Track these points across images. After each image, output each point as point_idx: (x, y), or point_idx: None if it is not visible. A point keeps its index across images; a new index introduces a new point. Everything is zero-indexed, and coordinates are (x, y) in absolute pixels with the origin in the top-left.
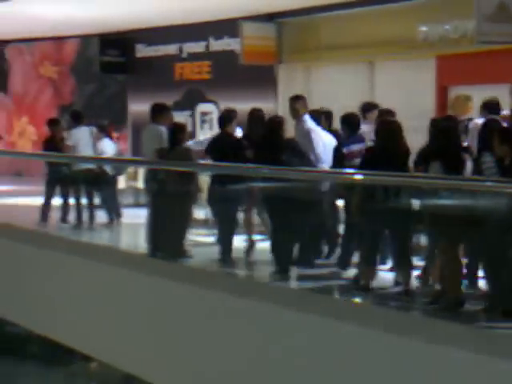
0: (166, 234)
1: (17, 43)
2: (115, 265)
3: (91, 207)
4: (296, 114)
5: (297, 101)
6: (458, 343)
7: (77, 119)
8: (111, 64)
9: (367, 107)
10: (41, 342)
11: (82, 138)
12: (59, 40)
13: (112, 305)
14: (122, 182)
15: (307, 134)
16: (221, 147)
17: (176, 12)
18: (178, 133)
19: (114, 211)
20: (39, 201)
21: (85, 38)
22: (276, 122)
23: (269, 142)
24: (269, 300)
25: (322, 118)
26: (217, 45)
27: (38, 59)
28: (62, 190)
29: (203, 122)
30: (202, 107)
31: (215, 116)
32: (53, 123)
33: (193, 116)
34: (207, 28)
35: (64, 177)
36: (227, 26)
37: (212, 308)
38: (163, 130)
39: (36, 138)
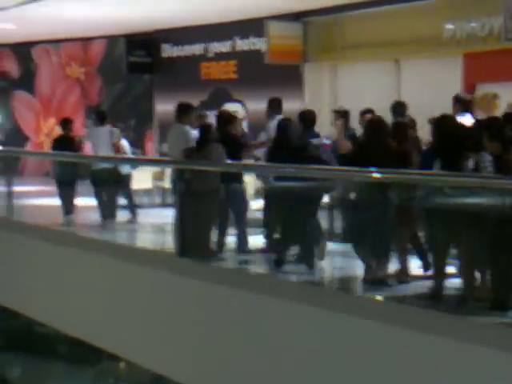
0: (194, 233)
1: (44, 44)
2: (143, 264)
3: (110, 206)
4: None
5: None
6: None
7: (101, 119)
8: (138, 64)
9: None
10: (69, 342)
11: (101, 138)
12: (86, 41)
13: (139, 304)
14: (148, 182)
15: None
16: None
17: (202, 12)
18: (206, 133)
19: (130, 209)
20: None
21: (111, 39)
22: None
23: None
24: (297, 299)
25: (338, 117)
26: (243, 44)
27: (65, 60)
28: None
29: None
30: (228, 107)
31: (241, 115)
32: (64, 123)
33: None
34: (233, 27)
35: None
36: (253, 26)
37: (241, 309)
38: (189, 129)
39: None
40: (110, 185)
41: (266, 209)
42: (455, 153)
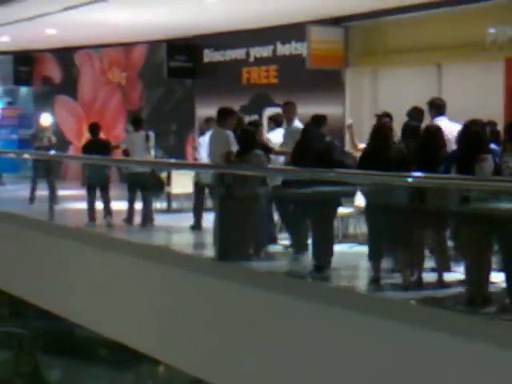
0: (233, 237)
1: (86, 49)
2: (183, 268)
3: (146, 209)
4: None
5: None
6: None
7: (136, 125)
8: (179, 69)
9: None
10: (109, 345)
11: (136, 143)
12: (128, 46)
13: (178, 308)
14: (188, 187)
15: None
16: None
17: (243, 17)
18: (249, 137)
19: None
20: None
21: (153, 44)
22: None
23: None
24: (339, 304)
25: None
26: (284, 49)
27: (107, 65)
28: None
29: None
30: (269, 111)
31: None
32: (93, 128)
33: (260, 120)
34: (274, 32)
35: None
36: (294, 30)
37: (279, 313)
38: (230, 134)
39: None
40: (148, 188)
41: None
42: (472, 156)
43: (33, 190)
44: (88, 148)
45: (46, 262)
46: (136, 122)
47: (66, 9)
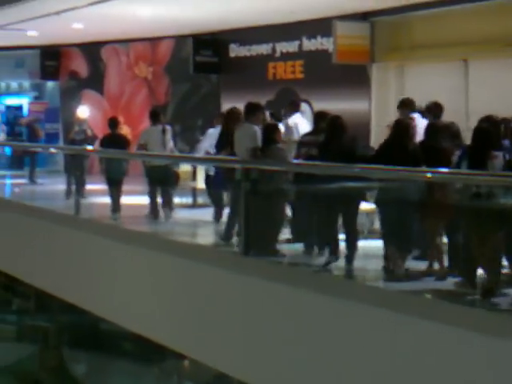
0: (259, 232)
1: (113, 44)
2: (208, 263)
3: (166, 203)
4: None
5: None
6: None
7: (154, 118)
8: (205, 64)
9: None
10: (134, 340)
11: (153, 137)
12: (154, 40)
13: (203, 302)
14: None
15: None
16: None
17: (269, 12)
18: (272, 132)
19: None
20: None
21: (179, 39)
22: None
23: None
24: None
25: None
26: (310, 44)
27: (134, 60)
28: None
29: None
30: None
31: (309, 115)
32: (112, 122)
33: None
34: (300, 27)
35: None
36: (320, 26)
37: (303, 308)
38: (257, 129)
39: (130, 138)
40: (166, 182)
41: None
42: (483, 153)
43: (69, 184)
44: (105, 142)
45: (71, 256)
46: (153, 115)
47: (93, 3)
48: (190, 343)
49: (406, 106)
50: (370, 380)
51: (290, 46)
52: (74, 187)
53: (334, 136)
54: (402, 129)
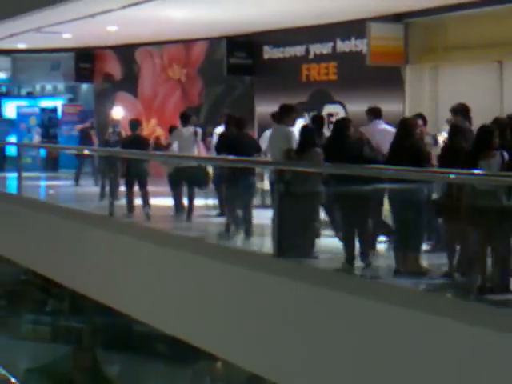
0: (293, 235)
1: (147, 46)
2: (241, 265)
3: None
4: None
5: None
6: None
7: (184, 120)
8: (238, 66)
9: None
10: (167, 341)
11: (185, 138)
12: (188, 42)
13: (236, 304)
14: None
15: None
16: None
17: (303, 13)
18: (308, 136)
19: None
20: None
21: (213, 41)
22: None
23: (336, 141)
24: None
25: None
26: (344, 46)
27: (167, 62)
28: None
29: (330, 122)
30: (329, 108)
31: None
32: (133, 124)
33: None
34: (334, 29)
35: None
36: (354, 27)
37: (335, 309)
38: (292, 130)
39: (164, 139)
40: (195, 182)
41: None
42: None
43: (103, 186)
44: (126, 143)
45: (106, 258)
46: (184, 117)
47: (127, 6)
48: (223, 345)
49: (372, 112)
50: None
51: (324, 48)
52: (107, 189)
53: (336, 138)
54: (405, 127)
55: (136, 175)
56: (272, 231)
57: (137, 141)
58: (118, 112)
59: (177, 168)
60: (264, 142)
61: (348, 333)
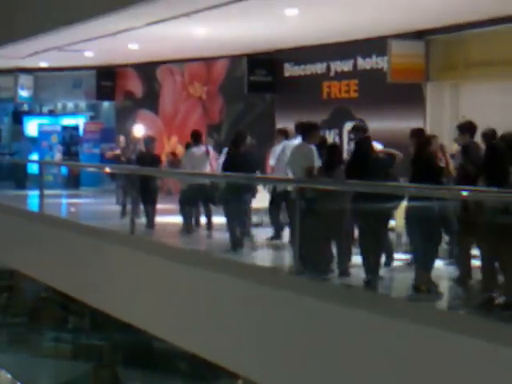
0: (315, 251)
1: (168, 64)
2: (262, 283)
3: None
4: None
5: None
6: None
7: (196, 139)
8: (259, 83)
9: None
10: (187, 359)
11: (197, 157)
12: (209, 60)
13: (257, 322)
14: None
15: None
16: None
17: (324, 31)
18: (334, 154)
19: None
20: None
21: (233, 58)
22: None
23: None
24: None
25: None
26: (364, 63)
27: (188, 79)
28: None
29: (351, 139)
30: (350, 126)
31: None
32: (148, 141)
33: (340, 134)
34: (355, 46)
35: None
36: (375, 44)
37: (363, 329)
38: (314, 149)
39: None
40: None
41: None
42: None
43: (124, 203)
44: (138, 160)
45: (126, 275)
46: (195, 136)
47: (148, 24)
48: (244, 362)
49: (358, 131)
50: None
51: (345, 65)
52: (129, 207)
53: (358, 155)
54: (421, 142)
55: (147, 192)
56: (293, 249)
57: (149, 158)
58: (138, 130)
59: (190, 185)
60: (273, 157)
61: (373, 352)
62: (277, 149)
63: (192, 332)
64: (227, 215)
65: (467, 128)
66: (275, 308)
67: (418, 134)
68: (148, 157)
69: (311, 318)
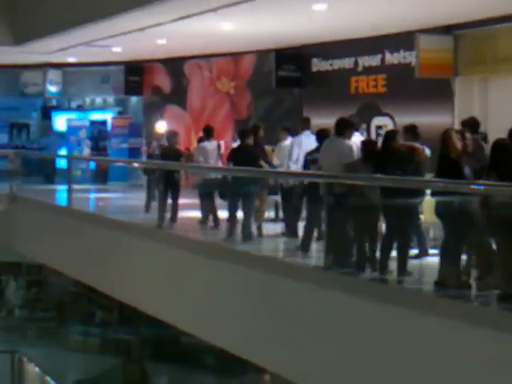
0: (346, 247)
1: (195, 59)
2: (289, 277)
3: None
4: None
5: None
6: None
7: (208, 134)
8: (287, 78)
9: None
10: (215, 353)
11: (209, 151)
12: (236, 55)
13: (284, 316)
14: None
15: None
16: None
17: (352, 26)
18: (371, 149)
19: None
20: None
21: (261, 53)
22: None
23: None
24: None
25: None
26: (392, 58)
27: (216, 74)
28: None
29: (379, 135)
30: (378, 121)
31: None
32: (171, 136)
33: (368, 129)
34: (383, 41)
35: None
36: (403, 39)
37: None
38: (351, 144)
39: None
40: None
41: None
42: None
43: (149, 198)
44: (162, 156)
45: (155, 270)
46: (207, 131)
47: (176, 19)
48: (271, 357)
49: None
50: None
51: (373, 60)
52: (154, 201)
53: (384, 149)
54: (443, 139)
55: (172, 186)
56: (324, 244)
57: (172, 152)
58: (161, 126)
59: (205, 180)
60: (279, 152)
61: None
62: (283, 145)
63: (219, 326)
64: (231, 208)
65: (470, 124)
66: (304, 303)
67: (411, 130)
68: (171, 152)
69: (340, 313)
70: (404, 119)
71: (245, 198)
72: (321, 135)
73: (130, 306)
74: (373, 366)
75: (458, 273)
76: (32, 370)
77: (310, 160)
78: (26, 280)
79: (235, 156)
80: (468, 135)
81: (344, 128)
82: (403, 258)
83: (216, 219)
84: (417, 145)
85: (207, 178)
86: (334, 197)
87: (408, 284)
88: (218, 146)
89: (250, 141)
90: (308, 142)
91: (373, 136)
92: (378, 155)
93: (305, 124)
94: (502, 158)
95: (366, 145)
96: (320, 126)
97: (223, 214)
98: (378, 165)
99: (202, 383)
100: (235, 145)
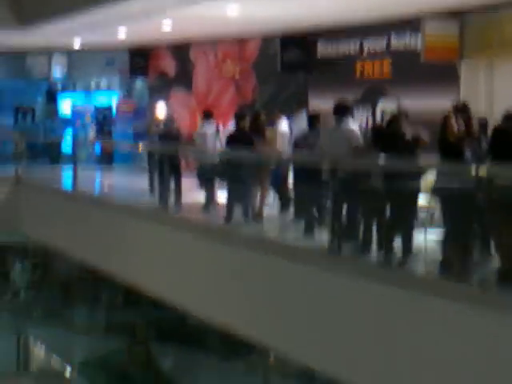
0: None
1: (201, 44)
2: (295, 261)
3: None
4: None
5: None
6: None
7: (207, 116)
8: (292, 62)
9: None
10: (220, 335)
11: (207, 133)
12: (242, 39)
13: (288, 299)
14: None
15: None
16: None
17: (357, 10)
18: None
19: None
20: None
21: (267, 37)
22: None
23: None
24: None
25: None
26: (398, 42)
27: (221, 59)
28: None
29: (384, 119)
30: (383, 105)
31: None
32: (170, 120)
33: (373, 114)
34: (388, 26)
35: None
36: (408, 24)
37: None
38: (354, 129)
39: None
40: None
41: None
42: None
43: (151, 180)
44: (161, 140)
45: (160, 253)
46: (206, 115)
47: (182, 3)
48: (276, 338)
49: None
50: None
51: (378, 45)
52: (156, 184)
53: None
54: (441, 123)
55: (175, 169)
56: (329, 226)
57: (170, 136)
58: (160, 111)
59: (203, 165)
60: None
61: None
62: (281, 129)
63: (224, 308)
64: (229, 192)
65: (461, 110)
66: (308, 285)
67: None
68: (169, 135)
69: (345, 296)
70: (410, 103)
71: (243, 182)
72: (312, 120)
73: (136, 288)
74: (377, 348)
75: (461, 253)
76: (38, 351)
77: (303, 145)
78: (32, 262)
79: (233, 142)
80: (474, 118)
81: (344, 111)
82: (408, 239)
83: (213, 203)
84: (422, 137)
85: (204, 162)
86: (339, 180)
87: (413, 266)
88: (217, 130)
89: (246, 123)
90: (303, 122)
91: (378, 120)
92: (385, 139)
93: (300, 105)
94: (502, 143)
95: (375, 129)
96: (326, 111)
97: (222, 198)
98: (385, 148)
99: (207, 365)
100: (231, 129)
